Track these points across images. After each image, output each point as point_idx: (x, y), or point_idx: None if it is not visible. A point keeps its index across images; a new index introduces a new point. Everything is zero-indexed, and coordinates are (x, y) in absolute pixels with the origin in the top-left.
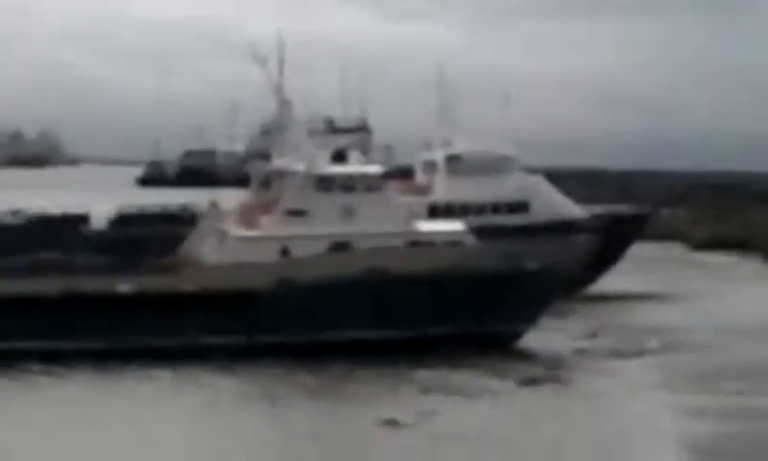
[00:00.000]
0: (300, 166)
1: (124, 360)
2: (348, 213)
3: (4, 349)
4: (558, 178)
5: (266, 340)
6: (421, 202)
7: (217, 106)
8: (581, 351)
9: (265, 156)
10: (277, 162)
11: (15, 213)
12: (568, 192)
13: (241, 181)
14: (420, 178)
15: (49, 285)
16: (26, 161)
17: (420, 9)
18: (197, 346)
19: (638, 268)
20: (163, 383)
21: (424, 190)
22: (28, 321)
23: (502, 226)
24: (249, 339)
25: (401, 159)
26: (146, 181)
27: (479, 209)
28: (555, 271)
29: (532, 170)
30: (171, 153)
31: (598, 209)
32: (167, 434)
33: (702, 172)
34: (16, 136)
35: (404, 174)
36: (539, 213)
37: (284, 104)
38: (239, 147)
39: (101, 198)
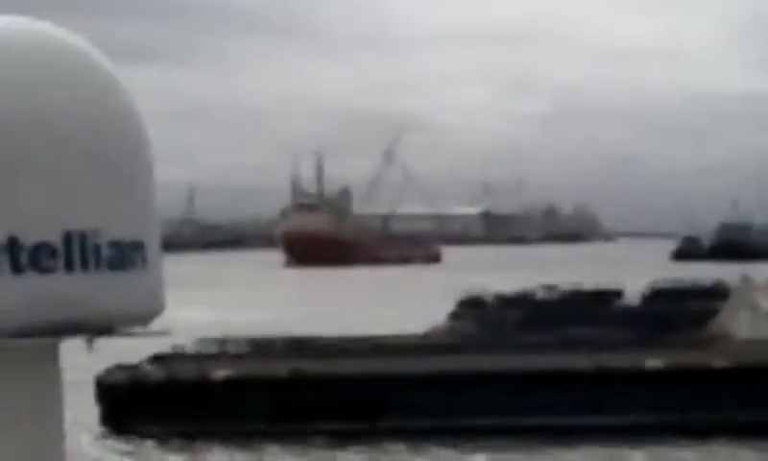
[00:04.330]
0: None
1: (650, 435)
2: None
3: (530, 424)
4: None
5: None
6: None
7: (749, 177)
8: None
9: None
10: None
11: (550, 288)
12: None
13: None
14: None
15: (580, 361)
16: (561, 237)
17: None
18: (730, 422)
19: None
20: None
21: None
22: (558, 396)
23: None
24: None
25: None
26: (681, 256)
27: None
28: None
29: None
30: (706, 226)
31: None
32: None
33: None
34: (551, 212)
35: None
36: None
37: None
38: None
39: (636, 273)
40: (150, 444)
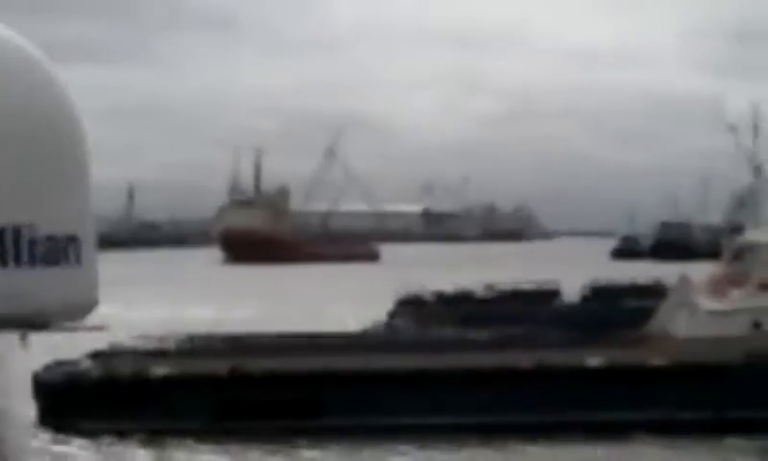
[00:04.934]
0: None
1: (591, 433)
2: None
3: (470, 422)
4: None
5: (736, 415)
6: None
7: (692, 177)
8: None
9: (739, 228)
10: (750, 235)
11: (488, 287)
12: None
13: (716, 254)
14: None
15: (519, 359)
16: (500, 235)
17: None
18: (666, 420)
19: None
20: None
21: None
22: (498, 394)
23: None
24: (718, 414)
25: None
26: (620, 254)
27: None
28: None
29: None
30: (645, 225)
31: None
32: None
33: None
34: (491, 211)
35: None
36: None
37: (758, 174)
38: (715, 219)
39: (574, 271)
40: (86, 442)
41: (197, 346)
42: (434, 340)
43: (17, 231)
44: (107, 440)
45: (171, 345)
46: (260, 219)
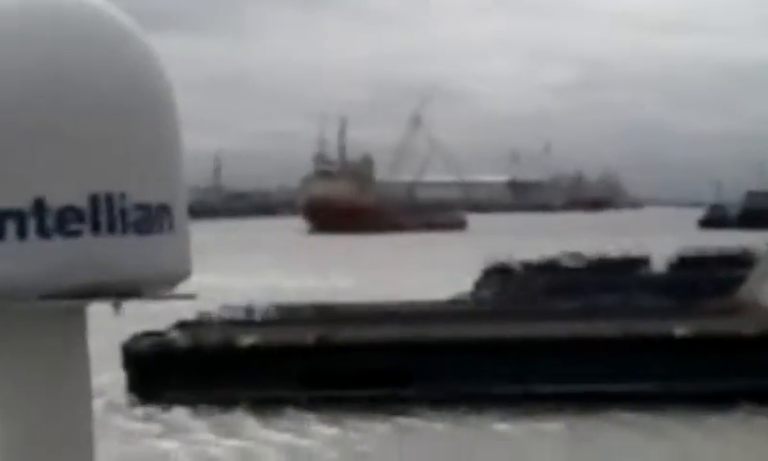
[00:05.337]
0: None
1: (679, 403)
2: None
3: (557, 391)
4: None
5: None
6: None
7: None
8: None
9: None
10: None
11: (575, 256)
12: None
13: None
14: None
15: (607, 328)
16: (587, 204)
17: None
18: (755, 389)
19: None
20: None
21: None
22: (585, 363)
23: None
24: None
25: None
26: (708, 224)
27: None
28: None
29: None
30: (733, 194)
31: None
32: None
33: None
34: (578, 179)
35: None
36: None
37: None
38: None
39: (662, 240)
40: (177, 410)
41: (284, 315)
42: (521, 309)
43: (110, 200)
44: (209, 409)
45: (257, 314)
46: (345, 188)
